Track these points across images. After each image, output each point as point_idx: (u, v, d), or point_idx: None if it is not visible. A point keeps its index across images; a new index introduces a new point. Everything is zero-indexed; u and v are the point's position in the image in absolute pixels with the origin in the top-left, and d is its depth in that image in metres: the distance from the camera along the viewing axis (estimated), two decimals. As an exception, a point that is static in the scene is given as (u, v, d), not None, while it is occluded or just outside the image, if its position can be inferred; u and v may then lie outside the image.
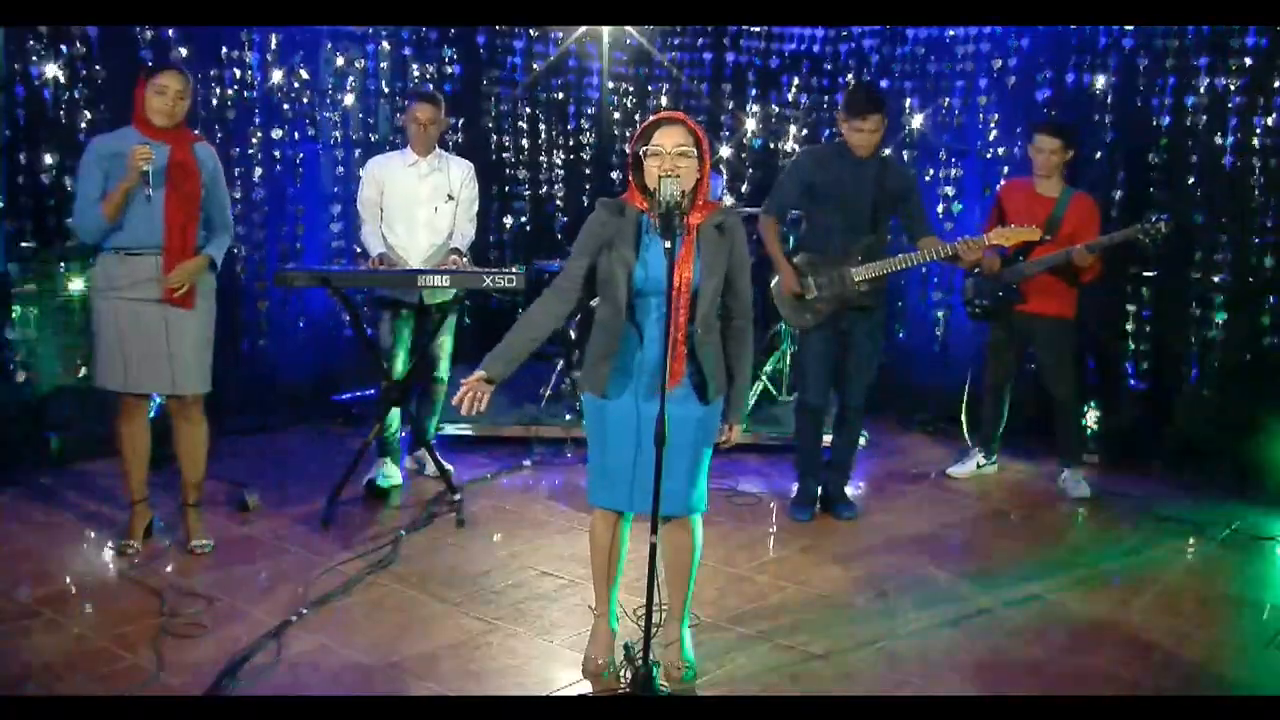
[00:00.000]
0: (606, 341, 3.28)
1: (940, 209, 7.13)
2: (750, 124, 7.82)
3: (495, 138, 7.62)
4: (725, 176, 7.55)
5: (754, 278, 3.46)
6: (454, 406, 3.22)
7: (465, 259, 5.17)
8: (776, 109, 7.81)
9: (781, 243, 5.01)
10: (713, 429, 3.39)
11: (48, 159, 5.48)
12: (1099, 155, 6.48)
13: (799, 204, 5.03)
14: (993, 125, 6.94)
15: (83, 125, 5.54)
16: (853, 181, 4.86)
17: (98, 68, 5.58)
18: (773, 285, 5.02)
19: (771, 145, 7.86)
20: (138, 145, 4.07)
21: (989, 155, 6.94)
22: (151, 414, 4.51)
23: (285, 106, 6.45)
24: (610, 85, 7.71)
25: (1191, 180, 6.20)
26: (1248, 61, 5.96)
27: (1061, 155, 5.44)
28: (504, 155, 7.67)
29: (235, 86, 6.20)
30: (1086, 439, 6.04)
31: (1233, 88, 6.02)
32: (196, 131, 4.59)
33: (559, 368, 6.41)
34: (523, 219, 7.81)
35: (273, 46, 6.33)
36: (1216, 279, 6.14)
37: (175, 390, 4.30)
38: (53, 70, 5.45)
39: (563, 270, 3.35)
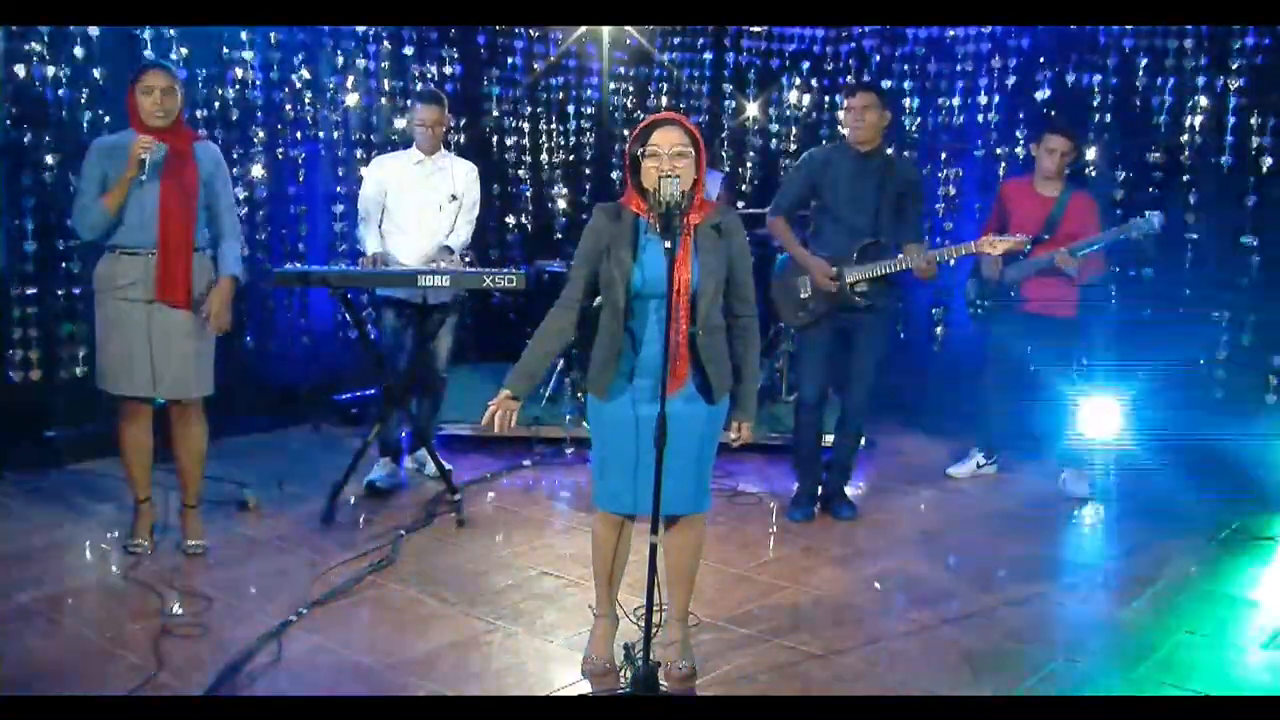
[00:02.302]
0: (609, 345, 3.28)
1: (940, 209, 7.14)
2: (750, 124, 7.82)
3: (496, 138, 7.62)
4: (724, 176, 7.54)
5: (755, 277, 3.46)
6: (485, 426, 3.35)
7: (455, 257, 5.16)
8: (776, 109, 7.81)
9: (795, 237, 4.99)
10: (718, 429, 3.39)
11: (48, 159, 5.47)
12: (1099, 155, 6.48)
13: (805, 204, 5.03)
14: (993, 125, 6.94)
15: (83, 125, 5.54)
16: (857, 182, 4.87)
17: (98, 68, 5.58)
18: (775, 285, 5.01)
19: (771, 145, 7.85)
20: (140, 135, 4.07)
21: (989, 155, 6.94)
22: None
23: (285, 106, 6.45)
24: (610, 85, 7.71)
25: (1189, 180, 6.21)
26: (1248, 61, 5.96)
27: (1071, 156, 5.47)
28: (505, 155, 7.67)
29: (235, 86, 6.20)
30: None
31: (1232, 88, 6.03)
32: (201, 132, 4.59)
33: (559, 367, 6.41)
34: (523, 219, 7.81)
35: (273, 46, 6.33)
36: (1214, 279, 6.14)
37: (154, 393, 4.28)
38: (53, 70, 5.45)
39: (568, 281, 3.38)
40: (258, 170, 6.32)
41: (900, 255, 4.87)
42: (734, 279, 3.32)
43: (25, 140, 5.42)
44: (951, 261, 4.98)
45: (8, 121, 5.36)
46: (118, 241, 4.18)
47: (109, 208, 4.11)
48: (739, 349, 3.38)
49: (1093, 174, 6.46)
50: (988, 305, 5.66)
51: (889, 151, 5.11)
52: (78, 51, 5.51)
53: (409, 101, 5.49)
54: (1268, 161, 5.96)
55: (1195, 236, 6.22)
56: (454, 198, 5.28)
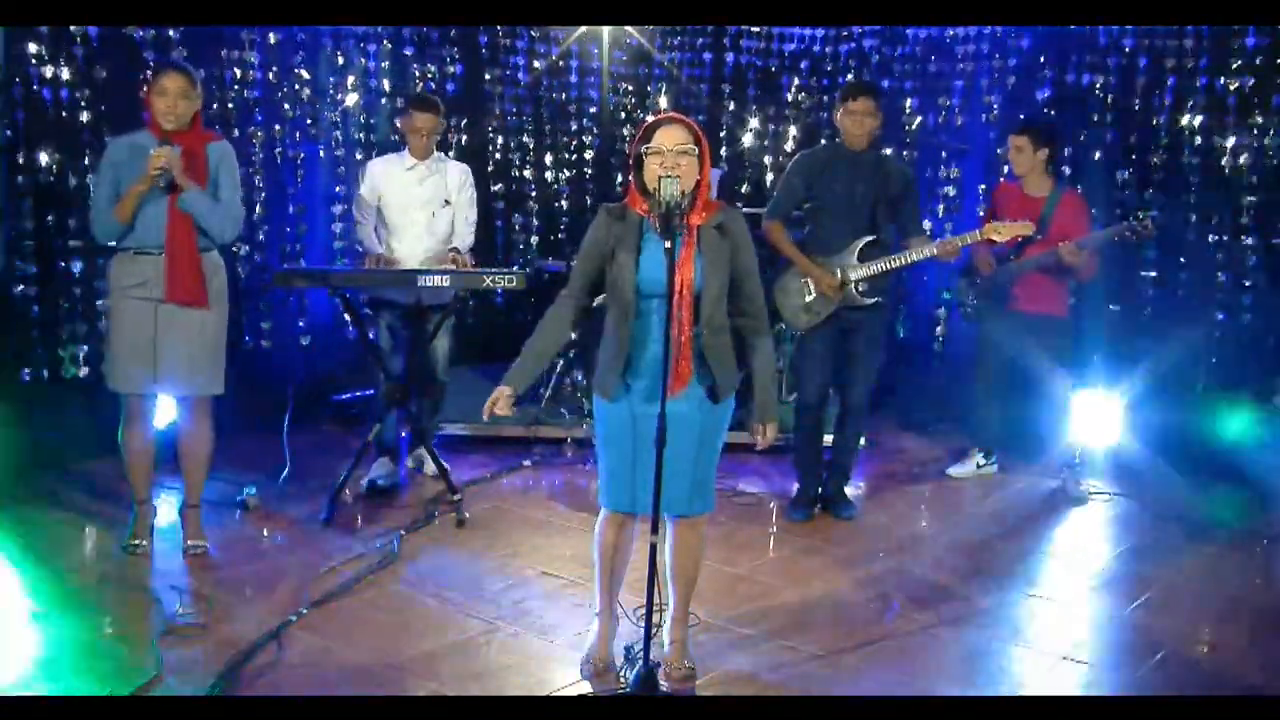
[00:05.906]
0: (615, 346, 3.28)
1: (940, 209, 7.14)
2: (750, 124, 7.82)
3: (500, 138, 7.61)
4: (723, 172, 7.53)
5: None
6: (483, 416, 3.35)
7: (465, 258, 5.16)
8: (776, 109, 7.81)
9: (792, 242, 5.01)
10: (721, 430, 3.38)
11: (48, 159, 5.48)
12: (1099, 155, 6.49)
13: (800, 206, 5.04)
14: (993, 125, 6.94)
15: (83, 125, 5.54)
16: (851, 181, 4.87)
17: (98, 68, 5.58)
18: (776, 286, 5.01)
19: (771, 145, 7.85)
20: (158, 147, 4.03)
21: (989, 155, 6.94)
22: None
23: (285, 106, 6.45)
24: (610, 85, 7.71)
25: (1189, 180, 6.22)
26: (1247, 61, 5.97)
27: (1030, 152, 5.43)
28: (509, 156, 7.66)
29: (235, 86, 6.20)
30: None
31: (1232, 88, 6.03)
32: (217, 130, 4.56)
33: (558, 367, 6.41)
34: (524, 218, 7.80)
35: (272, 46, 6.33)
36: (1215, 278, 6.15)
37: (163, 391, 4.30)
38: (52, 70, 5.45)
39: (570, 277, 3.37)
40: (257, 170, 6.32)
41: (908, 250, 4.89)
42: (739, 279, 3.31)
43: (25, 140, 5.42)
44: (965, 243, 5.00)
45: (7, 121, 5.36)
46: (131, 243, 4.19)
47: (120, 217, 4.13)
48: (750, 351, 3.37)
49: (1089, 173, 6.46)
50: (976, 305, 5.67)
51: (886, 152, 5.12)
52: (78, 51, 5.51)
53: (402, 104, 5.45)
54: (1270, 162, 5.97)
55: (1194, 237, 6.22)
56: (447, 202, 5.27)
